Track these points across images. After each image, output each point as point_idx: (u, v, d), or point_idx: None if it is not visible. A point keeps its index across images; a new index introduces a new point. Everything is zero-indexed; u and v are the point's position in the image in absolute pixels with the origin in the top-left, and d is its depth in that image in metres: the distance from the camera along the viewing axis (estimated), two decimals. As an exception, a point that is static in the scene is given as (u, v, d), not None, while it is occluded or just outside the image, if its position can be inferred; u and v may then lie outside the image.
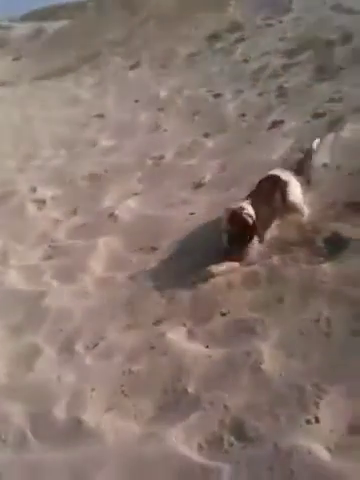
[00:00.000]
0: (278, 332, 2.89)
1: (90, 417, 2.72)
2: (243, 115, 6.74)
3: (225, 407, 2.52)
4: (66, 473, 2.43)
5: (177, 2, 15.63)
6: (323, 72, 6.79)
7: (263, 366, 2.68)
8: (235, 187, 4.83)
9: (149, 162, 6.47)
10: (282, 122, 5.87)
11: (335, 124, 5.08)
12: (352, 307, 2.81)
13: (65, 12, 24.27)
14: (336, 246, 3.38)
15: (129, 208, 5.23)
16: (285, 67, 7.72)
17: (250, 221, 3.57)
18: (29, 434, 2.73)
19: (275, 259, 3.56)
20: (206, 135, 6.63)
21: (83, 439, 2.61)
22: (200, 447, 2.37)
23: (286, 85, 6.97)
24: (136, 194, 5.60)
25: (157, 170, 6.18)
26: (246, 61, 9.03)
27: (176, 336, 3.18)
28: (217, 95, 8.06)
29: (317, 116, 5.57)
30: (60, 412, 2.82)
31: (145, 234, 4.52)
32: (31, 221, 5.70)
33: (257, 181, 4.00)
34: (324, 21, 8.69)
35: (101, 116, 9.69)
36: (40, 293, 4.11)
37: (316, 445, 2.16)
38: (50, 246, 4.86)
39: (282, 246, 3.68)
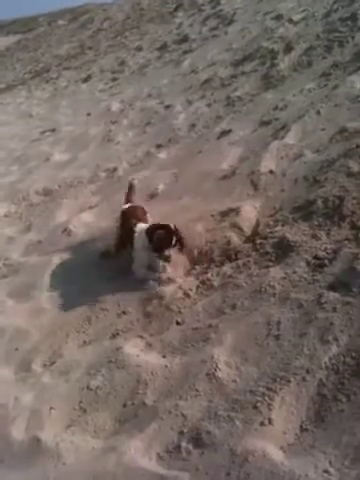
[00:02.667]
0: (232, 338, 2.95)
1: (49, 436, 2.71)
2: (193, 125, 6.86)
3: (183, 415, 2.55)
4: (26, 494, 2.41)
5: (126, 15, 15.75)
6: (268, 81, 6.97)
7: (218, 373, 2.73)
8: (187, 196, 4.91)
9: (103, 175, 6.50)
10: (230, 131, 5.99)
11: (280, 131, 5.23)
12: (300, 309, 2.90)
13: (15, 27, 24.03)
14: (284, 250, 3.48)
15: (84, 222, 5.24)
16: (232, 77, 7.89)
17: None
18: (-13, 457, 2.70)
19: (227, 266, 3.65)
20: (158, 146, 6.72)
21: (42, 458, 2.60)
22: (159, 457, 2.40)
23: (233, 95, 7.12)
24: (90, 207, 5.61)
25: (111, 182, 6.22)
26: (195, 72, 9.19)
27: (133, 349, 3.20)
28: (168, 106, 8.18)
29: (263, 124, 5.72)
30: (18, 433, 2.79)
31: (99, 247, 4.53)
32: (-16, 240, 5.62)
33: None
34: (267, 31, 8.92)
35: (53, 130, 9.66)
36: (-5, 313, 4.06)
37: (270, 446, 2.22)
38: (4, 264, 4.80)
39: (231, 254, 3.77)
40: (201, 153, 5.89)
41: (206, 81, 8.40)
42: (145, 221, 4.18)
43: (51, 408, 2.91)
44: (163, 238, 3.75)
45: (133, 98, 9.67)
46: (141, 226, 4.01)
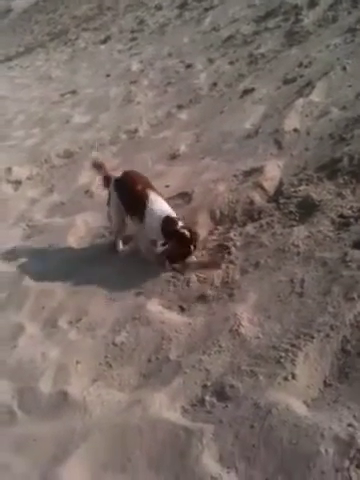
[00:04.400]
0: (255, 296, 2.96)
1: (75, 389, 2.79)
2: (215, 84, 6.72)
3: (206, 370, 2.59)
4: (52, 445, 2.49)
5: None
6: (292, 37, 6.76)
7: (241, 330, 2.75)
8: (209, 157, 4.85)
9: (123, 136, 6.45)
10: (253, 89, 5.86)
11: (305, 89, 5.09)
12: (324, 268, 2.88)
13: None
14: (308, 210, 3.43)
15: (105, 184, 5.23)
16: (255, 34, 7.66)
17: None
18: (16, 409, 2.80)
19: (250, 226, 3.63)
20: (179, 106, 6.62)
21: (69, 411, 2.68)
22: (184, 410, 2.44)
23: (256, 52, 6.93)
24: (112, 169, 5.58)
25: (132, 144, 6.17)
26: (216, 29, 8.95)
27: (156, 307, 3.25)
28: (188, 66, 8.02)
29: (288, 82, 5.57)
30: (46, 386, 2.88)
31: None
32: (8, 202, 5.69)
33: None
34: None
35: (73, 92, 9.58)
36: (21, 272, 4.13)
37: (294, 400, 2.24)
38: (28, 225, 4.86)
39: (254, 213, 3.74)
40: (223, 112, 5.78)
41: (228, 39, 8.18)
42: (152, 188, 3.82)
43: (77, 363, 2.98)
44: (179, 252, 3.48)
45: (153, 58, 9.49)
46: (158, 205, 3.64)
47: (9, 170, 6.37)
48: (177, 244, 3.44)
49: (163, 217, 3.55)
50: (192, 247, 3.47)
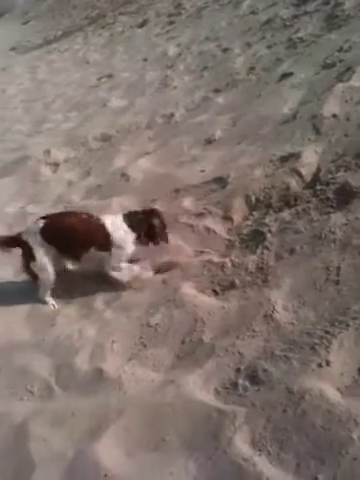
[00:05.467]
0: (290, 282, 2.96)
1: (111, 367, 2.85)
2: (252, 68, 6.64)
3: (239, 354, 2.62)
4: (88, 420, 2.55)
5: None
6: (332, 21, 6.60)
7: (275, 315, 2.76)
8: (245, 141, 4.82)
9: (159, 120, 6.46)
10: (291, 74, 5.78)
11: (344, 74, 4.98)
12: (361, 255, 2.86)
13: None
14: (345, 197, 3.38)
15: (141, 167, 5.27)
16: (294, 18, 7.52)
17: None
18: (54, 384, 2.88)
19: (286, 212, 3.60)
20: (216, 91, 6.58)
21: (105, 388, 2.74)
22: (216, 392, 2.47)
23: (295, 36, 6.81)
24: (147, 153, 5.62)
25: (168, 128, 6.18)
26: (254, 13, 8.83)
27: (191, 290, 3.28)
28: (226, 49, 7.95)
29: (327, 66, 5.45)
30: (82, 363, 2.96)
31: (157, 193, 4.56)
32: (46, 184, 5.80)
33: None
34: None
35: (111, 76, 9.62)
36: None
37: (327, 387, 2.23)
38: (66, 207, 4.94)
39: (290, 199, 3.71)
40: (260, 97, 5.72)
41: (266, 22, 8.06)
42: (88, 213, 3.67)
43: (113, 341, 3.05)
44: (160, 225, 3.59)
45: (190, 42, 9.43)
46: (114, 220, 3.58)
47: (48, 153, 6.47)
48: (153, 220, 3.55)
49: (125, 225, 3.55)
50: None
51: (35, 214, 4.97)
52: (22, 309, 3.66)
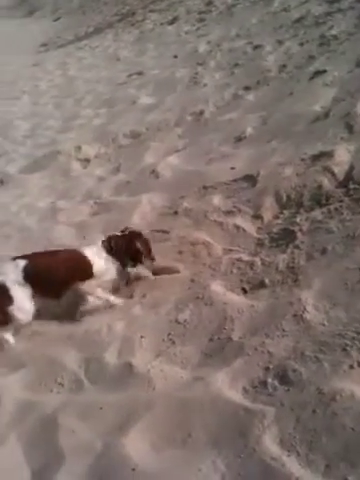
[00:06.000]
0: (321, 282, 2.92)
1: (140, 362, 2.86)
2: (284, 66, 6.58)
3: (269, 353, 2.59)
4: (116, 414, 2.56)
5: None
6: (366, 19, 6.51)
7: (306, 315, 2.73)
8: (276, 139, 4.79)
9: (189, 118, 6.45)
10: (324, 72, 5.70)
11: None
12: (395, 255, 2.81)
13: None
14: (380, 196, 3.34)
15: (170, 164, 5.28)
16: (327, 15, 7.43)
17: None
18: (83, 377, 2.90)
19: (317, 211, 3.56)
20: (246, 88, 6.54)
21: (133, 383, 2.75)
22: (245, 391, 2.45)
23: (328, 33, 6.73)
24: (177, 150, 5.62)
25: (197, 125, 6.17)
26: (286, 10, 8.76)
27: (219, 288, 3.27)
28: (257, 47, 7.89)
29: (361, 64, 5.37)
30: (111, 357, 2.97)
31: (186, 190, 4.56)
32: (77, 179, 5.86)
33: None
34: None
35: (140, 73, 9.64)
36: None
37: (358, 389, 2.20)
38: (96, 203, 4.98)
39: (322, 198, 3.67)
40: (292, 95, 5.67)
41: (298, 19, 8.00)
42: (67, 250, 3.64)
43: (142, 337, 3.05)
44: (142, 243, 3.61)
45: (220, 39, 9.39)
46: (94, 251, 3.56)
47: (79, 148, 6.54)
48: (135, 243, 3.57)
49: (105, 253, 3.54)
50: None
51: (65, 210, 5.07)
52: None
